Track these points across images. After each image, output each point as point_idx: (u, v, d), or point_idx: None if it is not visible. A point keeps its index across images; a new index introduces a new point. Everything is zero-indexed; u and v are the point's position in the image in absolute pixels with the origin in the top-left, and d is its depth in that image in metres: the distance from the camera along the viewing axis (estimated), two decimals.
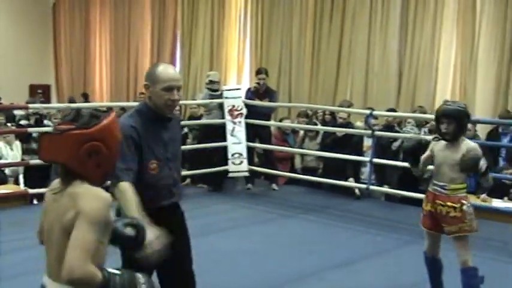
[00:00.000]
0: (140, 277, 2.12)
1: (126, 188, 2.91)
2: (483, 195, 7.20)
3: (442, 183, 4.18)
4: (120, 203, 2.91)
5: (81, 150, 2.07)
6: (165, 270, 3.22)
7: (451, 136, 4.14)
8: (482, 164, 4.08)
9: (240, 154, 8.40)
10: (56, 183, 2.21)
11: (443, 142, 4.23)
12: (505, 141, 7.97)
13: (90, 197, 2.04)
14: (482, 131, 8.65)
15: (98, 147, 2.11)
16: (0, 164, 7.83)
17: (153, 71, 3.11)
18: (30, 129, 7.65)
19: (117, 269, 2.11)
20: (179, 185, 3.36)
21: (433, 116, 8.51)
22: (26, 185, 7.89)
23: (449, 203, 4.12)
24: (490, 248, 6.00)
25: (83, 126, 2.10)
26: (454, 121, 4.09)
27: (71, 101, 13.52)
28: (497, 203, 7.16)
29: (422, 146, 4.40)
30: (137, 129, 3.05)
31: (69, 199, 2.06)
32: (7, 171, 7.99)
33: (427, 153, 4.38)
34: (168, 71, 3.11)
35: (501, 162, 7.68)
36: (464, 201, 4.12)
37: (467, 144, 4.15)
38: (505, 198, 7.30)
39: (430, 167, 4.45)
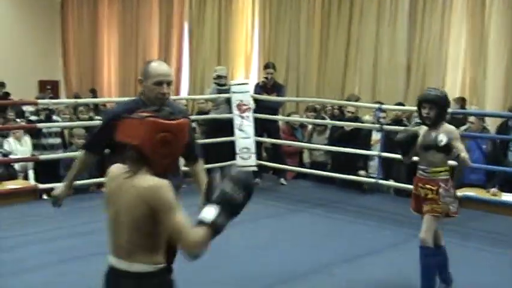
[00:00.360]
0: (231, 187, 2.21)
1: (81, 158, 3.51)
2: (493, 189, 7.19)
3: (423, 167, 4.34)
4: (73, 165, 3.54)
5: (156, 138, 2.23)
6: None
7: (431, 121, 4.28)
8: (442, 138, 4.15)
9: (248, 149, 8.39)
10: (116, 168, 2.37)
11: (425, 127, 4.37)
12: None
13: (157, 189, 2.19)
14: (492, 124, 8.61)
15: (171, 139, 2.27)
16: (9, 160, 7.86)
17: (146, 67, 3.36)
18: (39, 125, 7.67)
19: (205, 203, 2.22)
20: (178, 178, 3.53)
21: None
22: (35, 180, 7.93)
23: (428, 186, 4.27)
24: (500, 243, 5.99)
25: (163, 117, 2.26)
26: (435, 107, 4.25)
27: (76, 97, 13.55)
28: (507, 197, 7.14)
29: (416, 137, 4.43)
30: (122, 117, 3.12)
31: (137, 192, 2.20)
32: (17, 166, 8.02)
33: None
34: (160, 67, 3.34)
35: (511, 156, 7.64)
36: (442, 184, 4.24)
37: (445, 127, 4.28)
38: None
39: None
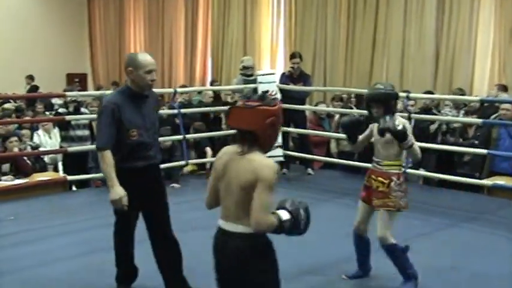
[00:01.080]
0: (302, 213, 2.76)
1: (109, 156, 3.83)
2: None
3: (377, 160, 4.38)
4: (102, 166, 3.89)
5: (266, 122, 2.68)
6: (155, 237, 4.10)
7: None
8: (398, 123, 4.11)
9: None
10: (230, 148, 2.81)
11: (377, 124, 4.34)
12: None
13: (267, 167, 2.64)
14: None
15: (276, 121, 2.73)
16: (39, 152, 7.95)
17: (135, 59, 3.96)
18: (67, 117, 7.73)
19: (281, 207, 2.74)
20: (156, 148, 4.14)
21: (471, 98, 8.40)
22: (64, 172, 8.01)
23: (380, 178, 4.30)
24: None
25: (268, 104, 2.71)
26: (382, 105, 4.23)
27: (99, 89, 13.70)
28: None
29: (361, 123, 4.47)
30: (118, 105, 3.88)
31: (249, 164, 2.64)
32: (46, 159, 8.12)
33: (367, 132, 4.53)
34: (147, 57, 3.99)
35: None
36: (394, 178, 4.26)
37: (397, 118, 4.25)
38: None
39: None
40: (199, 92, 10.47)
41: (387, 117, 4.16)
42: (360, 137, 4.57)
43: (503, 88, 8.91)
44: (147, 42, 16.73)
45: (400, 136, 4.13)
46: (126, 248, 4.26)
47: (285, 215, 2.69)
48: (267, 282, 2.81)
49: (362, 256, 4.62)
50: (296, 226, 2.73)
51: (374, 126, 4.41)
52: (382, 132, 4.18)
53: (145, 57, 3.98)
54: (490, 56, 10.06)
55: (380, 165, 4.34)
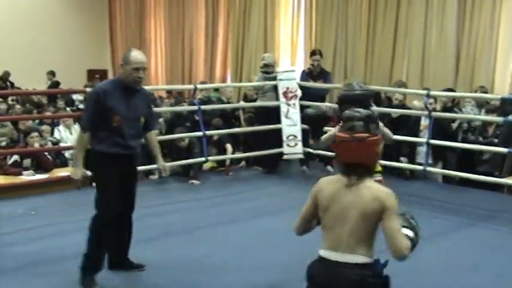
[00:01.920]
0: (414, 223, 2.82)
1: (85, 139, 4.25)
2: None
3: None
4: (75, 145, 4.37)
5: (376, 152, 2.74)
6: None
7: None
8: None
9: (295, 136, 8.36)
10: (332, 178, 2.78)
11: None
12: None
13: (390, 194, 2.65)
14: None
15: (379, 148, 2.76)
16: (59, 148, 8.01)
17: (127, 55, 4.23)
18: None
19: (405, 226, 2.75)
20: (137, 141, 4.37)
21: (492, 96, 8.31)
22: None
23: None
24: None
25: (373, 134, 2.70)
26: (359, 106, 3.68)
27: None
28: None
29: (326, 118, 4.22)
30: (106, 92, 4.17)
31: (369, 193, 2.64)
32: (67, 154, 8.17)
33: (331, 132, 4.20)
34: (138, 56, 4.23)
35: None
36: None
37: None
38: None
39: None
40: (217, 90, 10.46)
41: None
42: (326, 136, 4.31)
43: None
44: (168, 38, 16.78)
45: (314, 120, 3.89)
46: (107, 233, 4.36)
47: (408, 232, 2.72)
48: None
49: None
50: (418, 239, 2.76)
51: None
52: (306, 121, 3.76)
53: (136, 55, 4.23)
54: None
55: None
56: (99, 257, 4.35)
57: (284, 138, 8.38)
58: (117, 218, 4.35)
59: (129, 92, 4.25)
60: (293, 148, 8.39)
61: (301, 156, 8.48)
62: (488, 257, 5.08)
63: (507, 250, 5.29)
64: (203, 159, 7.94)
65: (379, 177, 4.03)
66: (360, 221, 2.63)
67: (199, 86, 8.95)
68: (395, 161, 7.68)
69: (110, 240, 4.39)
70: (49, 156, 7.69)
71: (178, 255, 5.00)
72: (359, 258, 2.63)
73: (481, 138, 7.83)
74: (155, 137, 4.80)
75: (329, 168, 8.62)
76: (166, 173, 4.81)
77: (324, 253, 2.72)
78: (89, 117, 4.26)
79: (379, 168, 4.03)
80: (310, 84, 8.54)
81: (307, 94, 8.42)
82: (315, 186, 2.82)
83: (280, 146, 8.39)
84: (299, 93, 8.39)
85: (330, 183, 2.77)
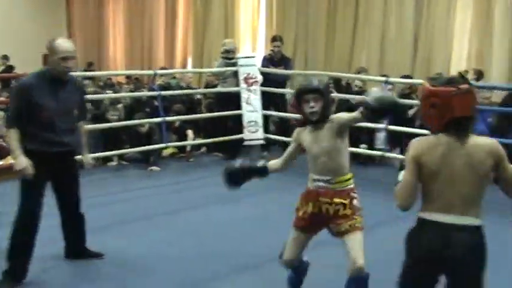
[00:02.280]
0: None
1: (13, 133, 3.90)
2: None
3: (325, 178, 3.45)
4: (9, 141, 4.08)
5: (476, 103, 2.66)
6: (64, 213, 4.27)
7: (319, 116, 3.41)
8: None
9: (256, 122, 8.38)
10: (430, 139, 2.62)
11: (307, 128, 3.53)
12: None
13: (498, 144, 2.59)
14: (496, 97, 8.54)
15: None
16: None
17: (52, 44, 3.96)
18: None
19: None
20: (72, 137, 4.12)
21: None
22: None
23: (337, 200, 3.41)
24: None
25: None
26: (321, 97, 3.39)
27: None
28: None
29: (249, 170, 3.75)
30: (31, 86, 3.91)
31: (481, 150, 2.53)
32: None
33: (290, 148, 3.71)
34: (64, 44, 3.98)
35: None
36: (353, 194, 3.47)
37: (339, 116, 3.51)
38: None
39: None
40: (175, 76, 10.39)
41: (322, 133, 3.43)
42: (287, 154, 3.74)
43: (479, 73, 8.96)
44: (127, 22, 16.56)
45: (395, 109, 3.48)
46: (29, 237, 4.03)
47: None
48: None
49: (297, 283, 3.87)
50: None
51: (299, 135, 3.60)
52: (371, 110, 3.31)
53: (62, 44, 3.98)
54: (467, 40, 10.12)
55: (331, 183, 3.43)
56: (19, 263, 4.02)
57: (245, 124, 8.39)
58: (64, 212, 4.28)
59: (58, 83, 4.00)
60: (254, 134, 8.40)
61: (261, 142, 8.50)
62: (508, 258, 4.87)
63: None
64: (163, 145, 7.90)
65: (352, 184, 3.52)
66: (478, 183, 2.55)
67: (159, 72, 8.87)
68: (354, 147, 7.76)
69: (24, 246, 4.02)
70: (3, 143, 7.54)
71: (137, 242, 4.97)
72: (474, 221, 2.57)
73: None
74: (84, 128, 4.42)
75: None
76: (90, 166, 4.48)
77: (435, 216, 2.60)
78: (13, 114, 3.98)
79: (351, 175, 3.51)
80: (271, 70, 8.56)
81: (268, 80, 8.45)
82: (410, 150, 2.65)
83: (241, 132, 8.39)
84: (260, 79, 8.40)
85: (432, 145, 2.59)
